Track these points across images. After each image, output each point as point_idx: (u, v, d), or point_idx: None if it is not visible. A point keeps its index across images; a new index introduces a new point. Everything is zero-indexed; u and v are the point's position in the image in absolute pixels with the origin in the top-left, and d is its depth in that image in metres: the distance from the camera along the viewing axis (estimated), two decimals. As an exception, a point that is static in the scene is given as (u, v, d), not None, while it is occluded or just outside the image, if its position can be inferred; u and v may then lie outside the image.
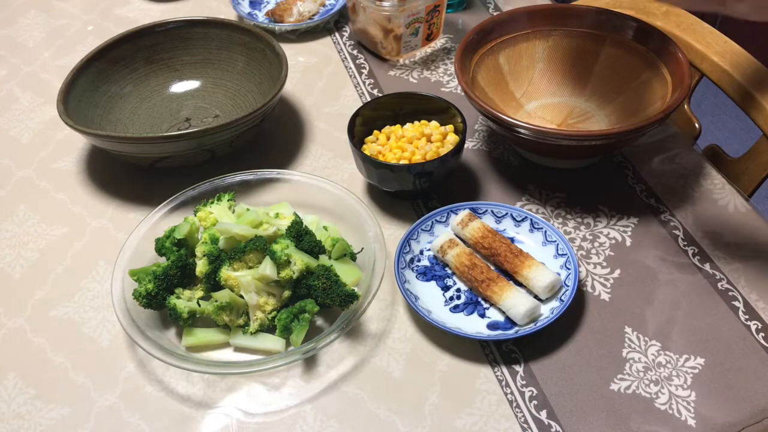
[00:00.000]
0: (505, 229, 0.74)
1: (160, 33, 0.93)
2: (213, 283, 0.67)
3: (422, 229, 0.73)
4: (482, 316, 0.67)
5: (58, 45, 1.08)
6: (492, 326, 0.66)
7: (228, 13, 1.11)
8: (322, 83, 0.97)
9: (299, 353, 0.62)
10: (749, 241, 0.73)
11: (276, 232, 0.68)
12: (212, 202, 0.73)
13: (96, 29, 1.11)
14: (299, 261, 0.65)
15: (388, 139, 0.79)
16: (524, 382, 0.63)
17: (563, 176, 0.81)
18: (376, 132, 0.79)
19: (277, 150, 0.87)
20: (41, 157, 0.89)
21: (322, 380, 0.64)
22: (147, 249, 0.71)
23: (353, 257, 0.69)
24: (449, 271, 0.71)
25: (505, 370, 0.64)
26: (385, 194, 0.80)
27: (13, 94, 0.99)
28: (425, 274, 0.71)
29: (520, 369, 0.64)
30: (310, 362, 0.65)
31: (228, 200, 0.73)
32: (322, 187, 0.75)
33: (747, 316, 0.67)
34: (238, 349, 0.66)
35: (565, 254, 0.69)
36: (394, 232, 0.76)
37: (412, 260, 0.71)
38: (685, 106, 0.96)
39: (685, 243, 0.73)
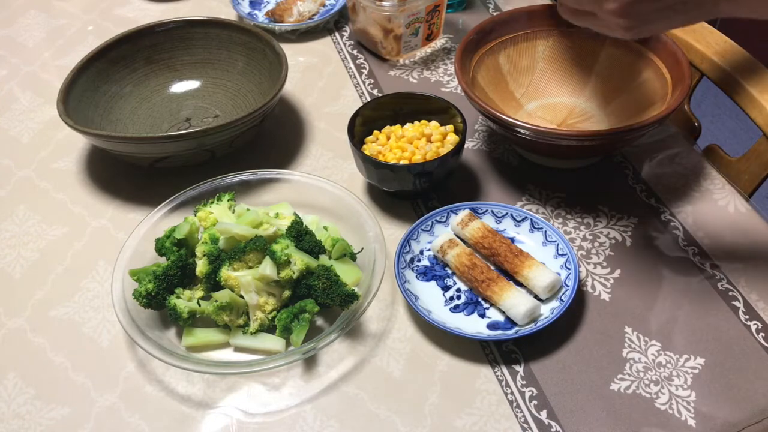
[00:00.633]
0: (505, 229, 0.74)
1: (160, 33, 0.93)
2: (213, 283, 0.67)
3: (422, 229, 0.73)
4: (482, 316, 0.67)
5: (58, 45, 1.08)
6: (492, 326, 0.66)
7: (228, 13, 1.11)
8: (322, 83, 0.97)
9: (299, 353, 0.62)
10: (749, 241, 0.73)
11: (276, 232, 0.68)
12: (212, 202, 0.73)
13: (96, 29, 1.11)
14: (299, 261, 0.65)
15: (388, 139, 0.79)
16: (524, 382, 0.63)
17: (563, 176, 0.81)
18: (376, 132, 0.79)
19: (277, 150, 0.87)
20: (41, 157, 0.89)
21: (322, 380, 0.64)
22: (147, 249, 0.71)
23: (353, 257, 0.69)
24: (449, 271, 0.71)
25: (505, 370, 0.64)
26: (385, 194, 0.80)
27: (13, 94, 0.99)
28: (425, 274, 0.71)
29: (520, 369, 0.64)
30: (310, 362, 0.65)
31: (228, 200, 0.73)
32: (322, 187, 0.75)
33: (747, 316, 0.67)
34: (238, 349, 0.66)
35: (565, 254, 0.69)
36: (394, 232, 0.76)
37: (412, 260, 0.71)
38: (685, 106, 0.96)
39: (685, 243, 0.73)
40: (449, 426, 0.60)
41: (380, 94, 0.94)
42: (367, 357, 0.65)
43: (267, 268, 0.64)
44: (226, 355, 0.66)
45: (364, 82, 0.97)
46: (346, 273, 0.66)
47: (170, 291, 0.67)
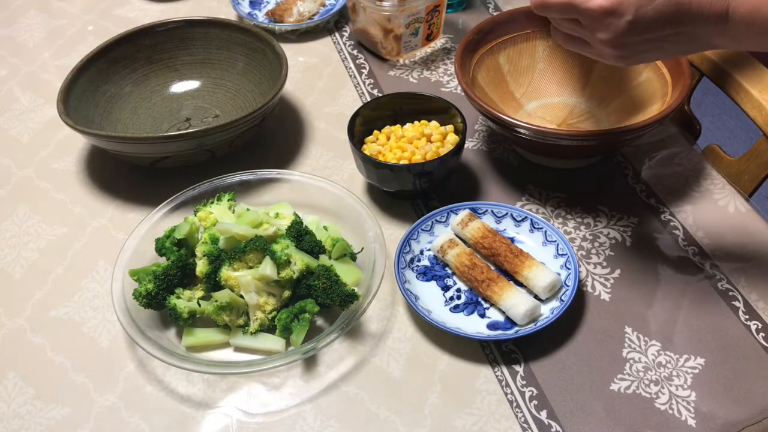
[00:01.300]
0: (505, 229, 0.74)
1: (160, 33, 0.93)
2: (213, 283, 0.67)
3: (422, 229, 0.73)
4: (482, 316, 0.67)
5: (58, 45, 1.08)
6: (492, 326, 0.66)
7: (228, 13, 1.11)
8: (322, 83, 0.97)
9: (299, 353, 0.62)
10: (749, 241, 0.73)
11: (276, 232, 0.68)
12: (212, 202, 0.73)
13: (96, 29, 1.11)
14: (299, 261, 0.65)
15: (388, 139, 0.79)
16: (524, 382, 0.63)
17: (563, 176, 0.81)
18: (376, 132, 0.79)
19: (277, 150, 0.87)
20: (41, 157, 0.89)
21: (322, 380, 0.64)
22: (147, 249, 0.71)
23: (353, 257, 0.69)
24: (449, 271, 0.71)
25: (505, 370, 0.64)
26: (385, 194, 0.80)
27: (13, 94, 0.99)
28: (425, 274, 0.71)
29: (520, 369, 0.64)
30: (310, 362, 0.65)
31: (228, 200, 0.73)
32: (322, 187, 0.75)
33: (747, 316, 0.67)
34: (238, 349, 0.66)
35: (565, 254, 0.69)
36: (394, 232, 0.76)
37: (412, 260, 0.71)
38: (685, 106, 0.96)
39: (685, 243, 0.73)
40: (449, 426, 0.60)
41: (380, 94, 0.94)
42: (367, 357, 0.65)
43: (267, 268, 0.64)
44: (226, 355, 0.66)
45: (364, 82, 0.97)
46: (346, 273, 0.66)
47: (170, 291, 0.67)
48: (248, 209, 0.71)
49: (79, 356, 0.67)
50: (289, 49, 0.93)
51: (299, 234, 0.67)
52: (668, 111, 0.70)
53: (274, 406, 0.62)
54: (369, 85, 0.96)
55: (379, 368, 0.64)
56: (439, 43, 1.03)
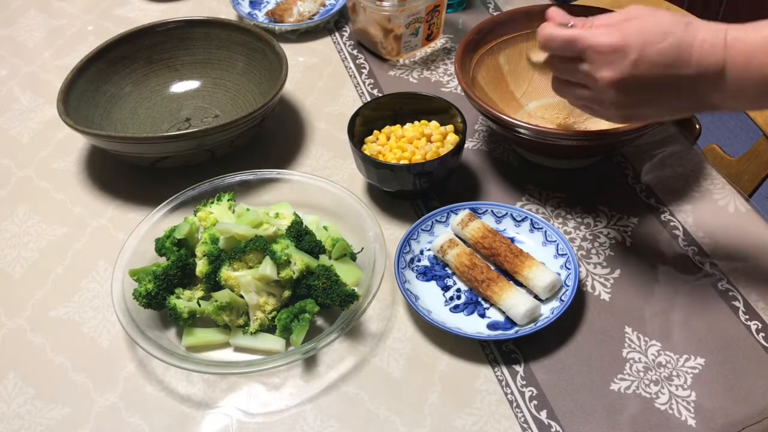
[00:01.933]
0: (505, 229, 0.74)
1: (160, 33, 0.93)
2: (213, 283, 0.67)
3: (422, 229, 0.73)
4: (482, 316, 0.67)
5: (58, 45, 1.08)
6: (492, 326, 0.66)
7: (228, 13, 1.11)
8: (322, 83, 0.97)
9: (299, 353, 0.62)
10: (749, 241, 0.73)
11: (276, 232, 0.68)
12: (212, 202, 0.73)
13: (96, 29, 1.11)
14: (299, 261, 0.65)
15: (388, 139, 0.79)
16: (524, 382, 0.63)
17: (563, 176, 0.81)
18: (376, 132, 0.79)
19: (277, 150, 0.87)
20: (41, 157, 0.89)
21: (322, 380, 0.64)
22: (147, 249, 0.71)
23: (353, 257, 0.69)
24: (449, 271, 0.71)
25: (505, 370, 0.64)
26: (385, 194, 0.80)
27: (13, 94, 0.99)
28: (425, 274, 0.71)
29: (520, 369, 0.64)
30: (310, 362, 0.65)
31: (228, 200, 0.73)
32: (322, 187, 0.75)
33: (747, 316, 0.67)
34: (238, 349, 0.66)
35: (565, 254, 0.69)
36: (394, 232, 0.76)
37: (412, 260, 0.71)
38: (685, 106, 0.96)
39: (685, 243, 0.73)
40: (449, 426, 0.60)
41: (380, 94, 0.94)
42: (367, 357, 0.65)
43: (267, 268, 0.64)
44: (226, 355, 0.66)
45: (364, 82, 0.97)
46: (346, 273, 0.66)
47: (170, 291, 0.67)
48: (248, 209, 0.71)
49: (79, 356, 0.67)
50: (289, 49, 0.93)
51: (299, 234, 0.67)
52: (668, 111, 0.70)
53: (274, 406, 0.62)
54: (369, 85, 0.96)
55: (379, 368, 0.64)
56: (439, 43, 1.03)
